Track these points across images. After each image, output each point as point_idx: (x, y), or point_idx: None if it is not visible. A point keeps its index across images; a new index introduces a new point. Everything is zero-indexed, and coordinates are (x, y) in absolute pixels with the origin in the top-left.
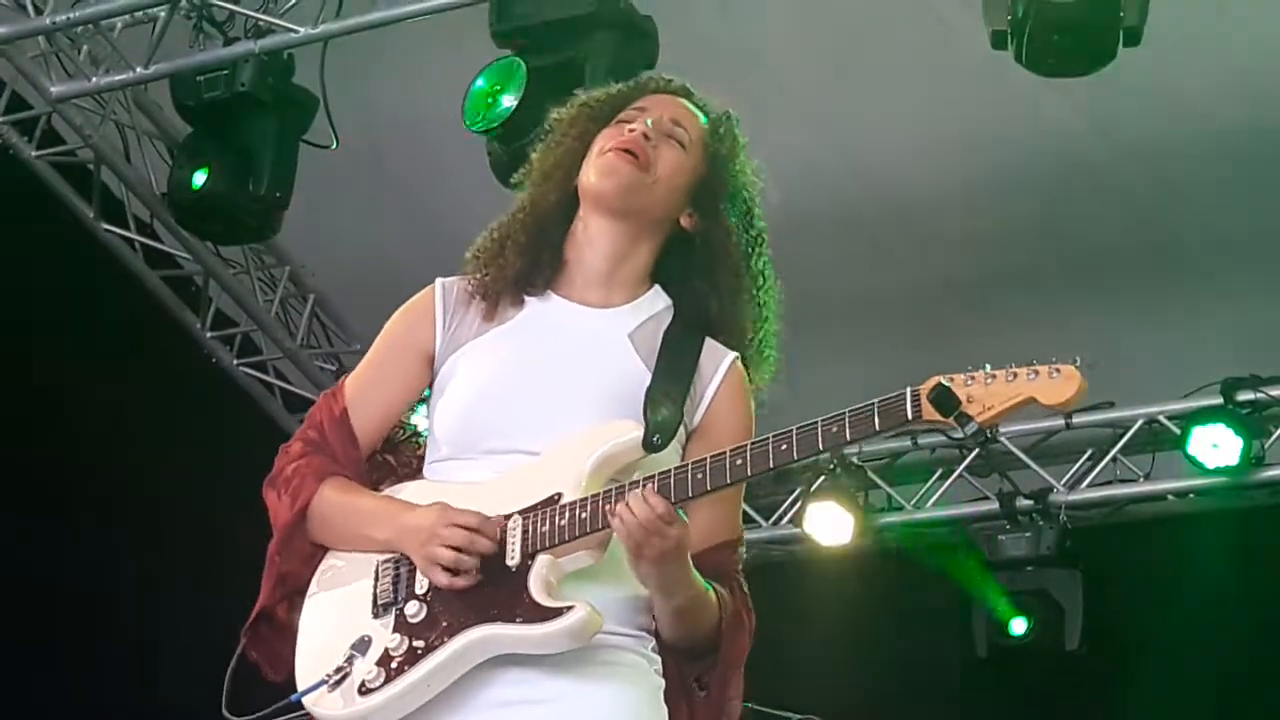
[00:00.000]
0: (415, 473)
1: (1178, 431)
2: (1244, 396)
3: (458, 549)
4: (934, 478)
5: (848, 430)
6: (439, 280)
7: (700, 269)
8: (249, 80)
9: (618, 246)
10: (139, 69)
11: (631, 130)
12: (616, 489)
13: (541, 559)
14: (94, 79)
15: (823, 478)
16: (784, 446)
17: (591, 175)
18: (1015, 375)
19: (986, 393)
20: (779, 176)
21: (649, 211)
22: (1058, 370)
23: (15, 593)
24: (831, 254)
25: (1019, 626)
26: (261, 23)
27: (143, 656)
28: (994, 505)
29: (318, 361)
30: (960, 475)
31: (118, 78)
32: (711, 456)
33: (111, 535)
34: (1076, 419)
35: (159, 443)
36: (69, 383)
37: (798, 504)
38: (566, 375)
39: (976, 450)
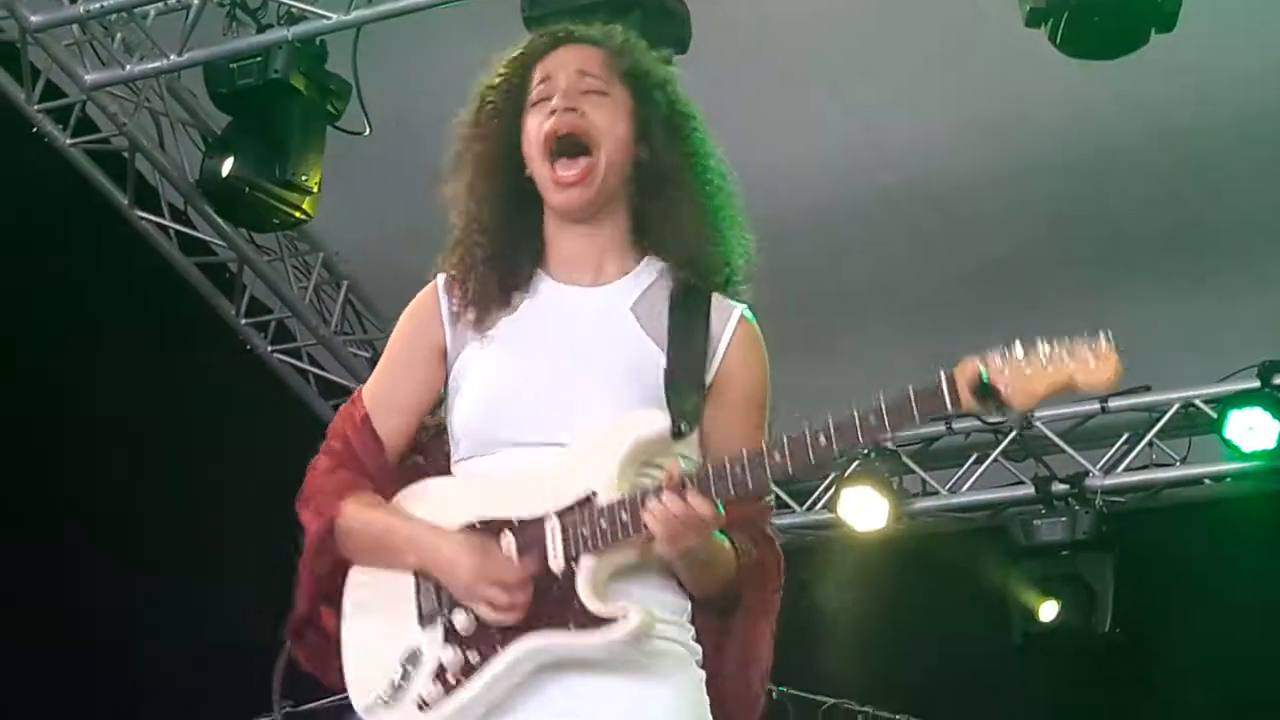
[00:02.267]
0: (445, 471)
1: (1214, 415)
2: None
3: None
4: (969, 462)
5: (887, 421)
6: (441, 275)
7: (666, 199)
8: (282, 67)
9: (595, 225)
10: (172, 56)
11: (554, 112)
12: (655, 487)
13: (586, 561)
14: (128, 67)
15: (856, 462)
16: (823, 441)
17: (554, 198)
18: (1051, 357)
19: (1024, 378)
20: (810, 164)
21: (610, 186)
22: (1094, 351)
23: (48, 581)
24: (866, 241)
25: (1049, 611)
26: (294, 9)
27: (178, 643)
28: (1029, 490)
29: (351, 348)
30: (995, 460)
31: (151, 65)
32: (749, 452)
33: (146, 521)
34: (1112, 403)
35: (193, 429)
36: (103, 369)
37: (832, 489)
38: (578, 362)
39: (1012, 434)
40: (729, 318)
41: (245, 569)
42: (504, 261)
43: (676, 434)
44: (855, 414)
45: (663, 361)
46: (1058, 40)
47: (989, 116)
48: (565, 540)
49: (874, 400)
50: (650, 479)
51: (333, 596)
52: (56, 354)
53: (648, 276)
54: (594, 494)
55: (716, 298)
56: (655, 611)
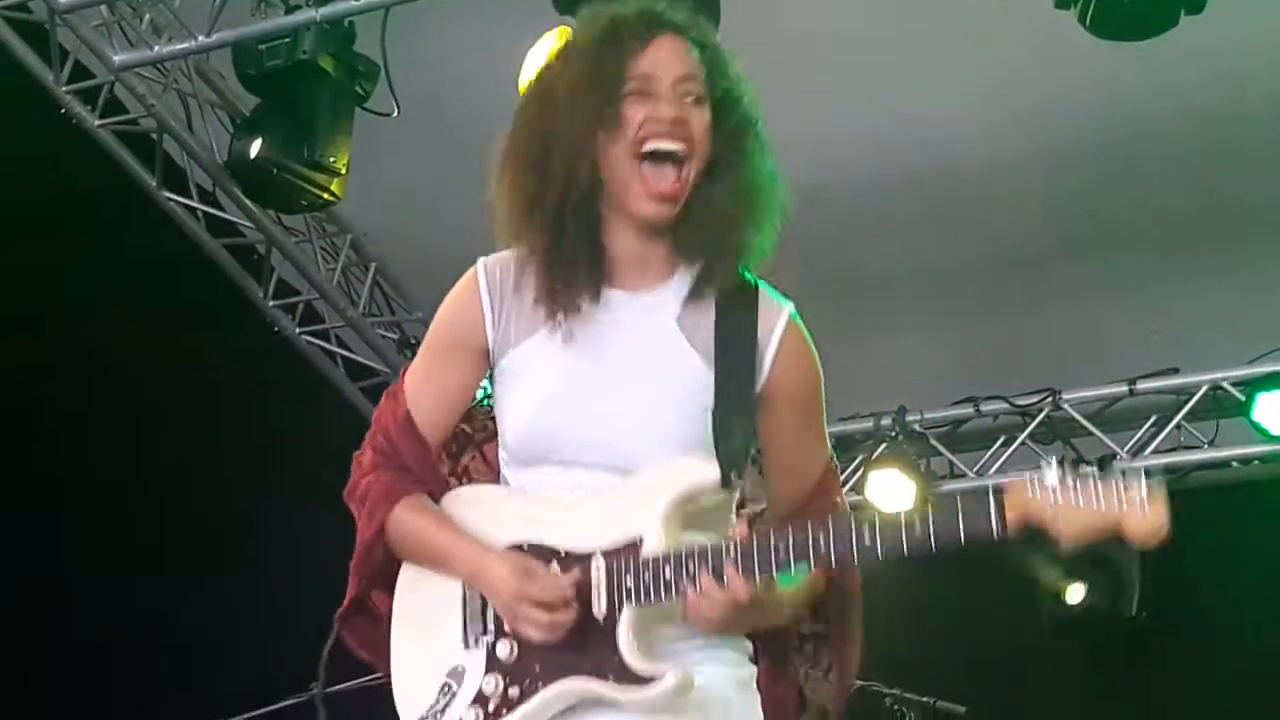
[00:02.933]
0: (491, 437)
1: (1242, 398)
2: None
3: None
4: (996, 444)
5: (933, 535)
6: (481, 262)
7: (713, 205)
8: (310, 48)
9: (656, 230)
10: (200, 38)
11: (660, 121)
12: (700, 552)
13: (628, 613)
14: (156, 48)
15: (884, 445)
16: (868, 539)
17: (643, 206)
18: (1102, 494)
19: (1074, 514)
20: (840, 147)
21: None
22: (1147, 498)
23: (76, 560)
24: (895, 225)
25: (1076, 594)
26: None
27: (207, 621)
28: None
29: (379, 330)
30: (1023, 442)
31: (179, 46)
32: (794, 528)
33: (175, 502)
34: (1141, 385)
35: (223, 411)
36: (133, 351)
37: (859, 471)
38: (630, 384)
39: (1040, 417)
40: (775, 324)
41: (276, 549)
42: (565, 256)
43: (726, 484)
44: (902, 519)
45: (707, 378)
46: (1087, 22)
47: (1019, 100)
48: (610, 587)
49: (924, 510)
50: (702, 523)
51: (381, 584)
52: (84, 335)
53: (686, 281)
54: (641, 540)
55: (764, 296)
56: (698, 676)
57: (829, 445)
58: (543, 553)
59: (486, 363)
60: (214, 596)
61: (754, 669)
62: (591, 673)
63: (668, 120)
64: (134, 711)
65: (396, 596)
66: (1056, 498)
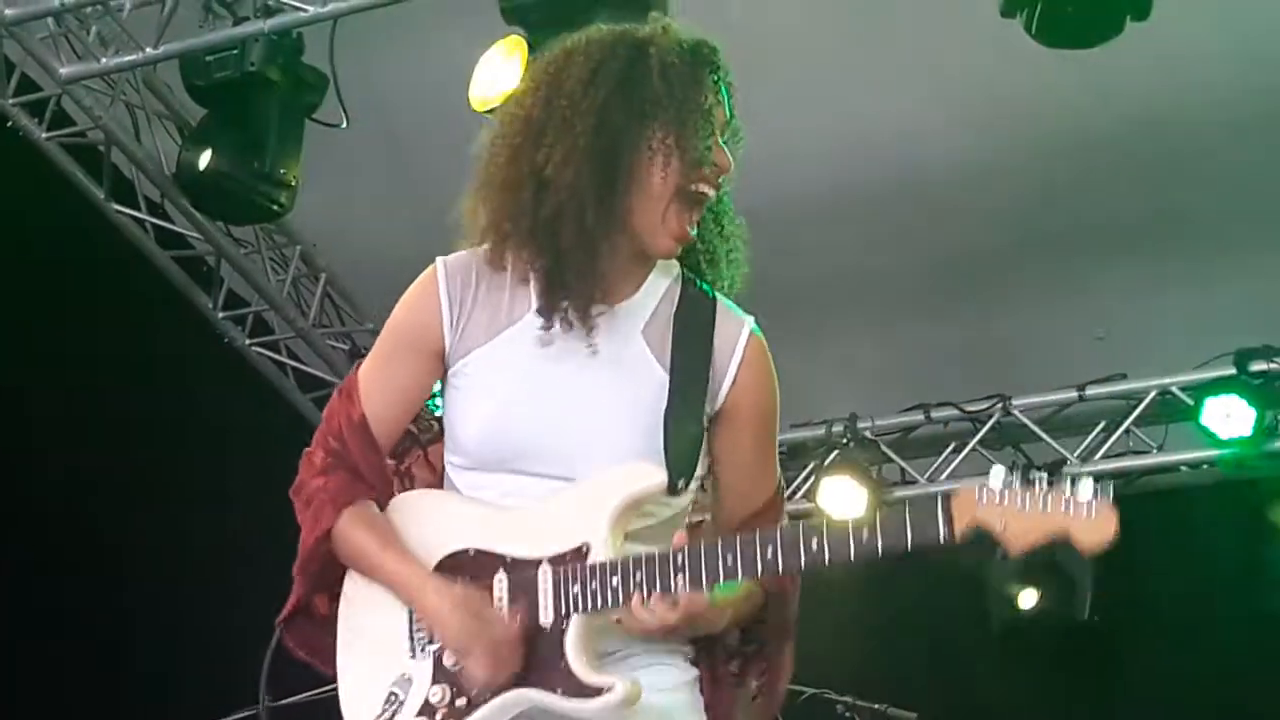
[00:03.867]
0: (436, 438)
1: (1191, 403)
2: (1257, 367)
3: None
4: (947, 450)
5: (880, 541)
6: (441, 262)
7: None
8: (258, 60)
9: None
10: (148, 49)
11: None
12: (647, 560)
13: (576, 621)
14: (103, 60)
15: (836, 452)
16: (815, 547)
17: (662, 243)
18: (1050, 501)
19: (1021, 521)
20: (788, 155)
21: None
22: (1094, 505)
23: (17, 580)
24: (844, 232)
25: (1029, 599)
26: (270, 2)
27: (156, 633)
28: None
29: (330, 340)
30: (973, 448)
31: (127, 58)
32: (742, 539)
33: (123, 514)
34: (1090, 391)
35: (172, 422)
36: (79, 363)
37: (811, 478)
38: (591, 396)
39: (990, 423)
40: (737, 337)
41: (224, 561)
42: (571, 271)
43: (674, 490)
44: (849, 526)
45: (666, 394)
46: (1033, 30)
47: (966, 107)
48: (556, 594)
49: (870, 517)
50: (647, 523)
51: (324, 586)
52: (31, 348)
53: (657, 289)
54: (587, 547)
55: (722, 309)
56: (643, 683)
57: (779, 471)
58: (488, 559)
59: (440, 366)
60: (160, 608)
61: (696, 673)
62: (539, 685)
63: (725, 168)
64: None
65: (342, 602)
66: (1005, 505)
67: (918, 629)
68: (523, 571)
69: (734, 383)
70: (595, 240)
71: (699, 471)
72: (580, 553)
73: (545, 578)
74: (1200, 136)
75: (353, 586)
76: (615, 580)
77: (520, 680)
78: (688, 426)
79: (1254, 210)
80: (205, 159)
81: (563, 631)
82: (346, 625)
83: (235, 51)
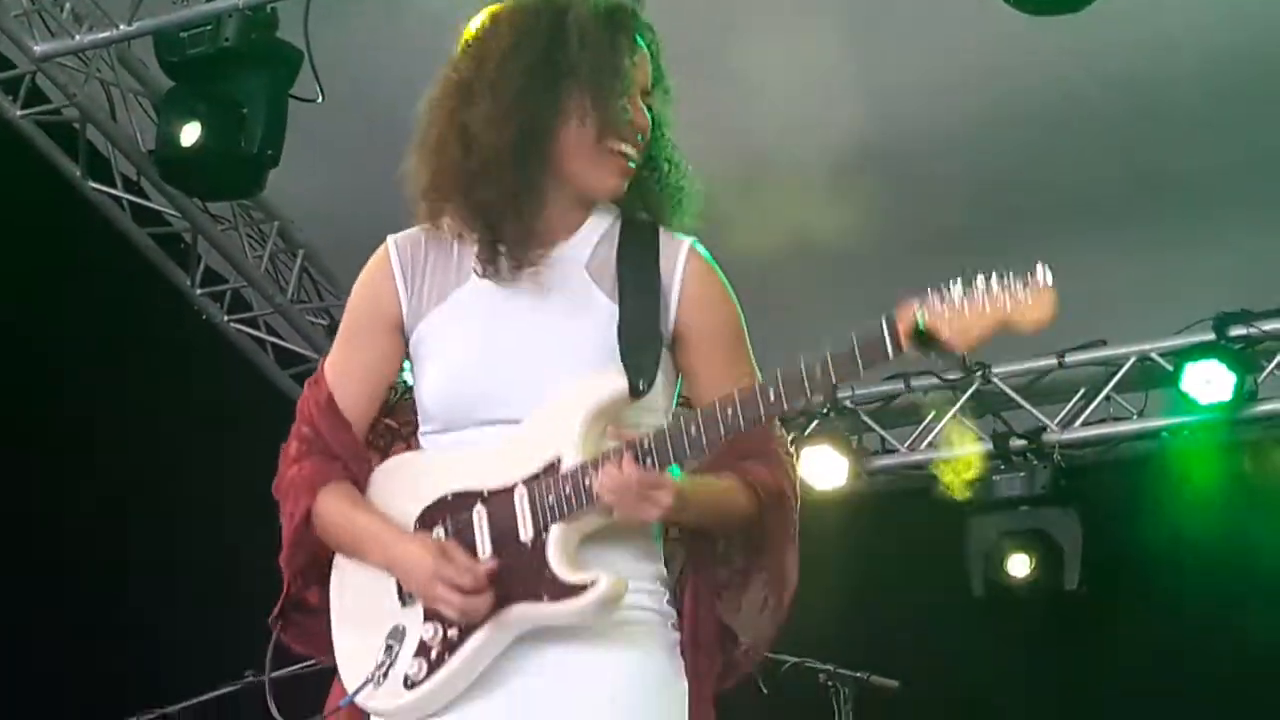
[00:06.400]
0: (416, 427)
1: (1170, 368)
2: (1236, 331)
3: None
4: (927, 419)
5: (833, 372)
6: (391, 239)
7: None
8: (233, 35)
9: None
10: (122, 26)
11: (632, 145)
12: (615, 450)
13: (555, 530)
14: (77, 37)
15: (815, 421)
16: (771, 396)
17: (604, 180)
18: (989, 297)
19: (963, 320)
20: (763, 122)
21: None
22: (1030, 289)
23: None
24: (819, 201)
25: (1019, 566)
26: None
27: (139, 609)
28: (988, 446)
29: (309, 316)
30: (953, 417)
31: (101, 35)
32: (703, 410)
33: (101, 490)
34: (1069, 358)
35: (151, 399)
36: (58, 341)
37: (791, 448)
38: (546, 334)
39: (970, 391)
40: (677, 256)
41: (206, 538)
42: (508, 221)
43: (635, 392)
44: (802, 367)
45: (616, 320)
46: None
47: (940, 70)
48: (534, 509)
49: (820, 352)
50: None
51: (315, 578)
52: (9, 327)
53: (599, 225)
54: (559, 459)
55: (664, 235)
56: (626, 578)
57: (754, 365)
58: (466, 498)
59: (402, 340)
60: (143, 585)
61: (666, 593)
62: (525, 597)
63: (643, 128)
64: (74, 699)
65: (332, 584)
66: (944, 308)
67: (900, 597)
68: (500, 500)
69: (680, 298)
70: (519, 194)
71: (661, 379)
72: (554, 467)
73: (521, 499)
74: (1181, 98)
75: (339, 572)
76: (588, 480)
77: (506, 599)
78: (643, 339)
79: (1233, 173)
80: (181, 135)
81: (544, 544)
82: (338, 604)
83: (210, 27)
